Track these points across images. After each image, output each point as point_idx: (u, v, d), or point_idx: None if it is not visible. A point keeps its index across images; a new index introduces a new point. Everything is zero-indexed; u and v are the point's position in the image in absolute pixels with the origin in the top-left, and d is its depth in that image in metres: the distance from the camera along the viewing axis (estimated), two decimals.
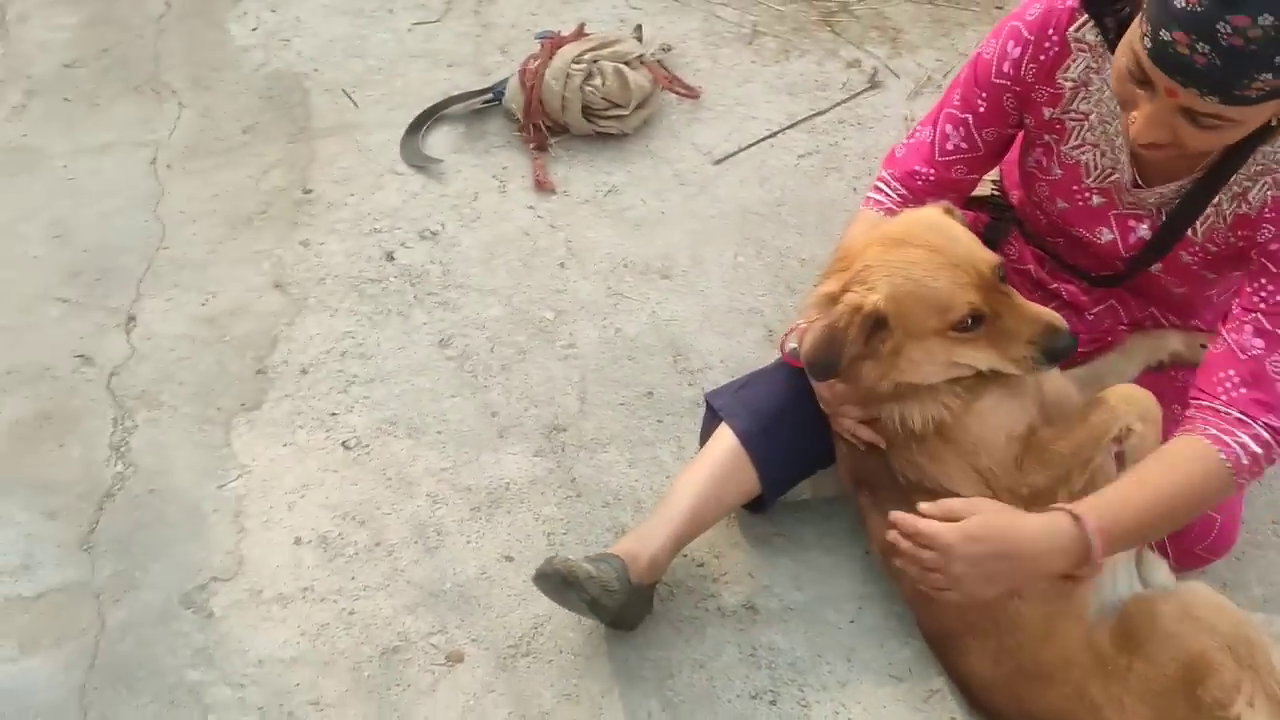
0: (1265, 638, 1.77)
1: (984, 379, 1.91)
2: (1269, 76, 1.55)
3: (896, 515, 1.76)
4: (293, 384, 2.57)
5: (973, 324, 1.83)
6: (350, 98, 3.23)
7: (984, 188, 2.28)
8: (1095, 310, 2.21)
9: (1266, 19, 1.50)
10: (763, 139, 3.09)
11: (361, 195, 2.98)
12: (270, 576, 2.26)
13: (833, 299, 1.87)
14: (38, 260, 2.83)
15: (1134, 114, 1.72)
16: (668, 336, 2.65)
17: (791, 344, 2.08)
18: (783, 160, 3.04)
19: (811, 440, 2.10)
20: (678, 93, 3.17)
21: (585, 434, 2.47)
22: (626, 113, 3.01)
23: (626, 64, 3.03)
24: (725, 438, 2.11)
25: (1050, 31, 1.92)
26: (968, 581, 1.72)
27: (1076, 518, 1.72)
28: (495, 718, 2.07)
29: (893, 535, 1.76)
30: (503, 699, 2.09)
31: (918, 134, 2.14)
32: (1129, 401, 1.87)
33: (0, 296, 2.75)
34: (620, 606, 1.97)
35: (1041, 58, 1.94)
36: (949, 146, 2.09)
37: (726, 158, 3.05)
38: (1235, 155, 1.82)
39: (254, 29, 3.44)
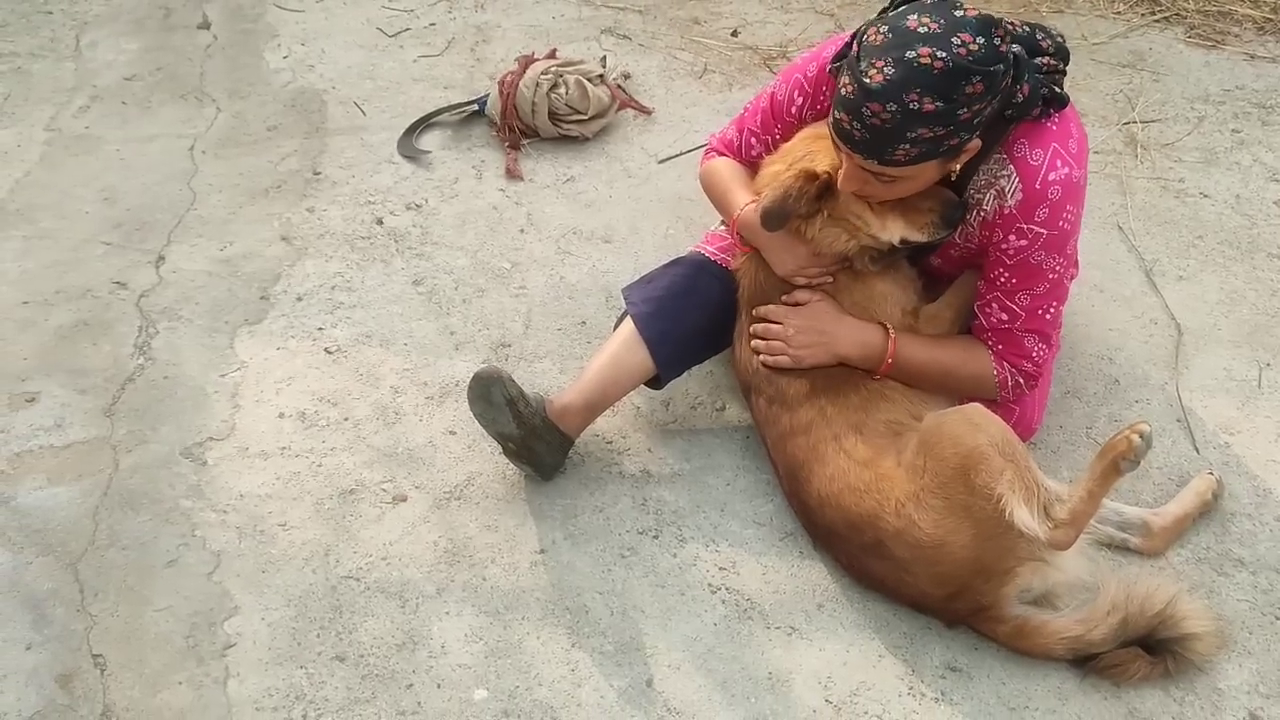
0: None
1: (887, 269, 2.47)
2: (907, 146, 2.13)
3: (759, 310, 2.43)
4: (289, 307, 3.10)
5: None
6: (360, 108, 3.85)
7: None
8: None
9: (893, 106, 2.07)
10: (701, 146, 3.63)
11: (361, 177, 3.56)
12: (256, 438, 2.75)
13: (778, 175, 2.39)
14: (89, 215, 3.41)
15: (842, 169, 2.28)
16: (603, 283, 3.17)
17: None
18: None
19: (699, 325, 2.59)
20: (634, 107, 3.76)
21: (526, 349, 2.98)
22: (586, 117, 3.60)
23: (589, 80, 3.64)
24: (627, 322, 2.61)
25: (824, 87, 2.47)
26: (795, 343, 2.39)
27: (891, 336, 2.36)
28: (428, 539, 2.53)
29: (755, 328, 2.45)
30: (435, 528, 2.55)
31: (729, 132, 2.71)
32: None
33: (55, 239, 3.32)
34: (533, 428, 2.45)
35: (818, 106, 2.50)
36: (753, 154, 2.65)
37: (669, 158, 3.62)
38: (962, 177, 2.36)
39: (285, 57, 4.10)
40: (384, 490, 2.63)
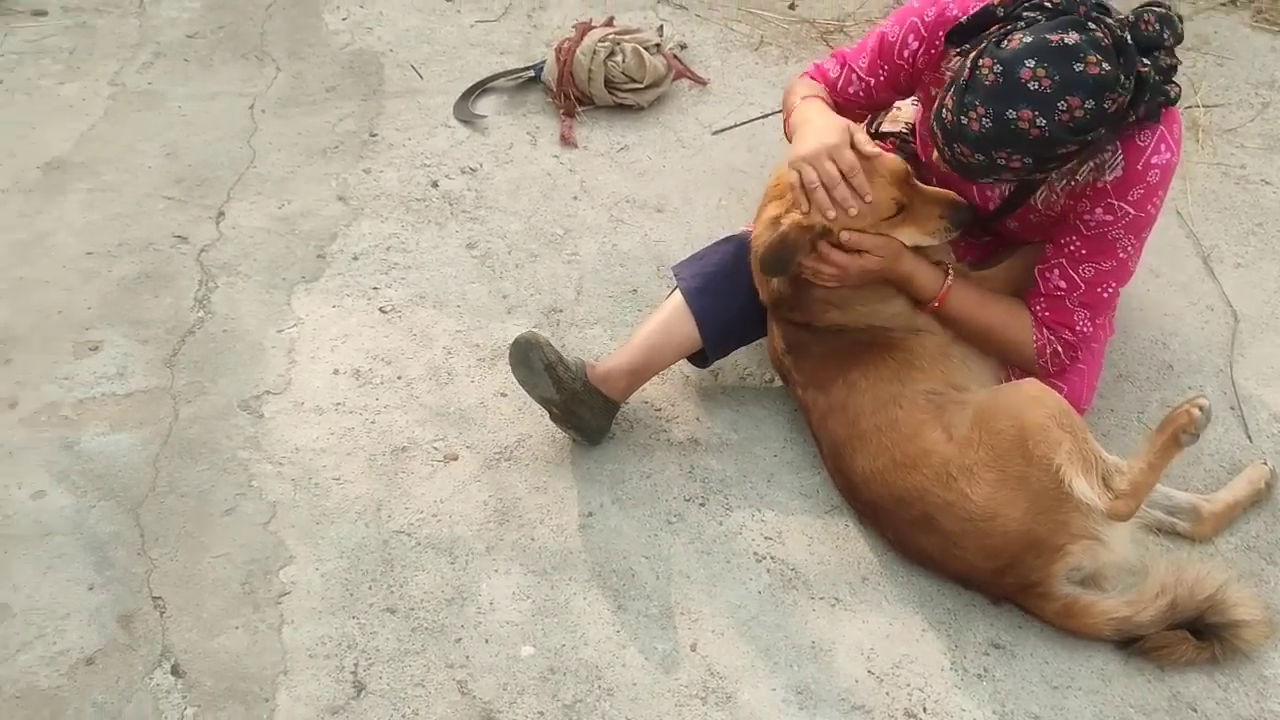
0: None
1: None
2: (998, 177, 2.18)
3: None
4: (345, 266, 3.14)
5: (898, 212, 2.35)
6: (417, 71, 3.88)
7: (897, 126, 2.80)
8: (983, 239, 2.71)
9: (980, 157, 2.13)
10: (756, 118, 3.66)
11: (417, 140, 3.59)
12: (311, 394, 2.79)
13: (775, 222, 2.39)
14: (151, 169, 3.46)
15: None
16: (655, 252, 3.18)
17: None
18: (770, 135, 3.59)
19: (747, 305, 2.58)
20: (689, 78, 3.76)
21: (578, 315, 3.00)
22: (641, 86, 3.60)
23: (645, 49, 3.64)
24: (676, 294, 2.62)
25: (941, 32, 2.40)
26: (853, 270, 2.35)
27: (949, 277, 2.39)
28: (478, 499, 2.56)
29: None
30: (485, 487, 2.59)
31: (828, 64, 2.64)
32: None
33: (119, 193, 3.38)
34: (573, 392, 2.47)
35: (932, 52, 2.44)
36: (850, 91, 2.60)
37: (723, 130, 3.62)
38: None
39: (344, 19, 4.13)
40: (435, 449, 2.67)
